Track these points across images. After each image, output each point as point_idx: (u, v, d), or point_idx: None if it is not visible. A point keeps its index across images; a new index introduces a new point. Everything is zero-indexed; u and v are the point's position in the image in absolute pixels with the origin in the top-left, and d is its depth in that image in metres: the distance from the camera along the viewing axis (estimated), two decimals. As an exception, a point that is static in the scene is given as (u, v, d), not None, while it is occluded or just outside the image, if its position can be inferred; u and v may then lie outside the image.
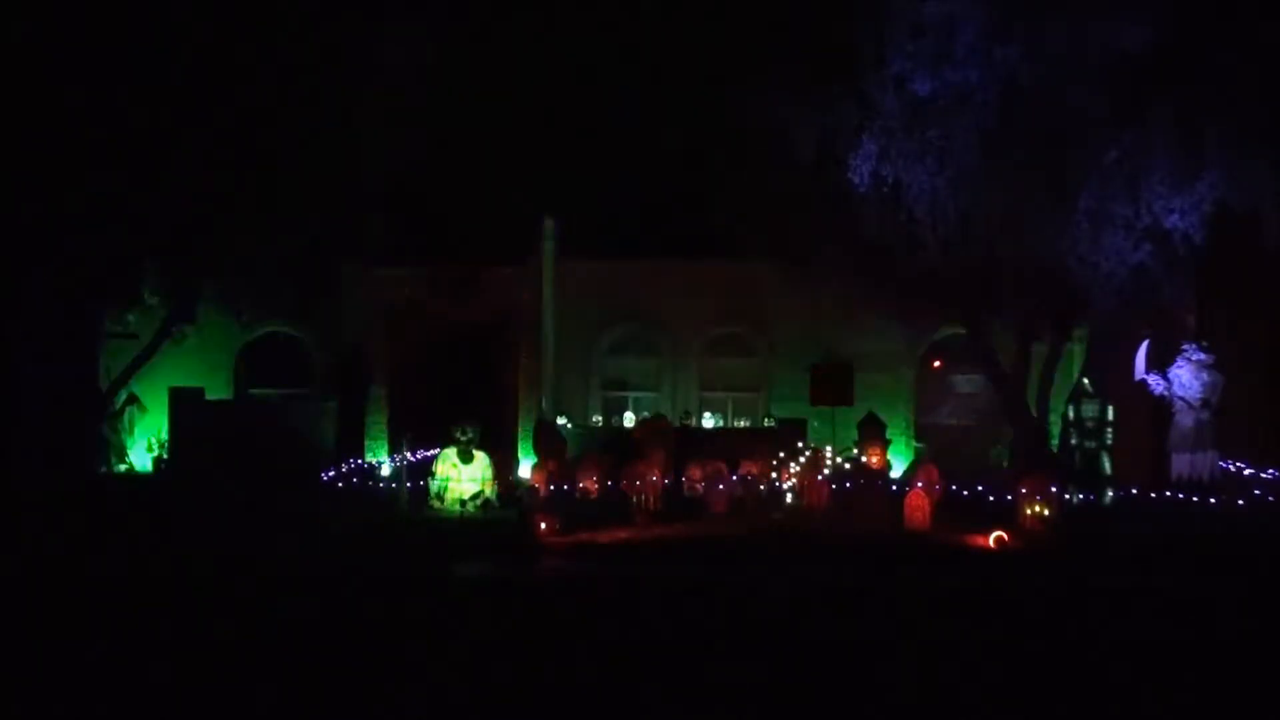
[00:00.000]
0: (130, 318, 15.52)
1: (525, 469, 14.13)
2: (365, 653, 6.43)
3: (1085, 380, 12.62)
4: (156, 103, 12.63)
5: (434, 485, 11.84)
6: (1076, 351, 14.71)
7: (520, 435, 16.05)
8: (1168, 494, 11.97)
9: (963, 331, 14.91)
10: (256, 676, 5.96)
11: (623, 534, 10.29)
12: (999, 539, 9.66)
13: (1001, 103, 12.15)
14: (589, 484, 12.20)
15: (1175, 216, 12.12)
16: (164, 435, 15.48)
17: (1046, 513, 10.39)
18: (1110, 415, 12.27)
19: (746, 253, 15.51)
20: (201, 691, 5.68)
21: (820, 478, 11.84)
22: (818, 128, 12.81)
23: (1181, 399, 12.70)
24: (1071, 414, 12.51)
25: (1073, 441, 12.45)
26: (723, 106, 13.32)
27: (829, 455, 12.98)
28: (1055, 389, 14.16)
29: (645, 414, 16.23)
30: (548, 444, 14.06)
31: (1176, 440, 12.77)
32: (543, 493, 12.02)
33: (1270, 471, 12.17)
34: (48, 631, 6.87)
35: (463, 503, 11.68)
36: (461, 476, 11.75)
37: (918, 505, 10.63)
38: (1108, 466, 12.15)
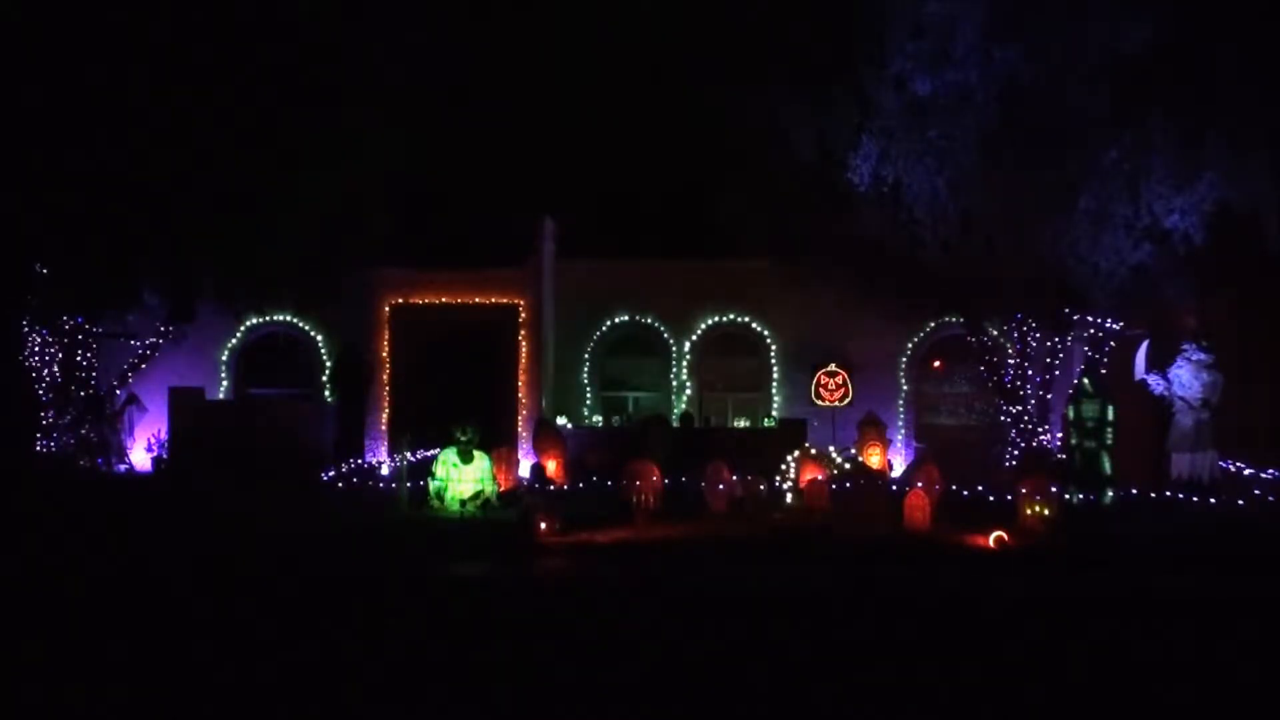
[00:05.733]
0: (129, 318, 15.52)
1: (525, 469, 14.13)
2: (364, 653, 6.44)
3: (1085, 380, 12.62)
4: (155, 102, 12.62)
5: (434, 485, 11.83)
6: (1076, 351, 14.70)
7: (520, 435, 16.07)
8: (1168, 494, 11.95)
9: (958, 325, 14.92)
10: (255, 676, 5.96)
11: (623, 534, 10.28)
12: (999, 539, 9.65)
13: (1001, 103, 12.14)
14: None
15: (1175, 216, 12.12)
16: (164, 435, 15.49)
17: (1046, 513, 10.39)
18: (1110, 415, 12.26)
19: (746, 252, 15.55)
20: (200, 691, 5.68)
21: (820, 478, 11.83)
22: (818, 128, 12.82)
23: (1181, 399, 12.69)
24: (1071, 414, 12.51)
25: (1073, 441, 12.45)
26: (723, 106, 13.31)
27: (830, 455, 12.98)
28: (1055, 388, 14.16)
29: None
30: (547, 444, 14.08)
31: (1176, 440, 12.75)
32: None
33: (1270, 471, 12.14)
34: (47, 631, 6.87)
35: (463, 503, 11.66)
36: (461, 476, 11.74)
37: (918, 505, 10.61)
38: (1108, 466, 12.14)
